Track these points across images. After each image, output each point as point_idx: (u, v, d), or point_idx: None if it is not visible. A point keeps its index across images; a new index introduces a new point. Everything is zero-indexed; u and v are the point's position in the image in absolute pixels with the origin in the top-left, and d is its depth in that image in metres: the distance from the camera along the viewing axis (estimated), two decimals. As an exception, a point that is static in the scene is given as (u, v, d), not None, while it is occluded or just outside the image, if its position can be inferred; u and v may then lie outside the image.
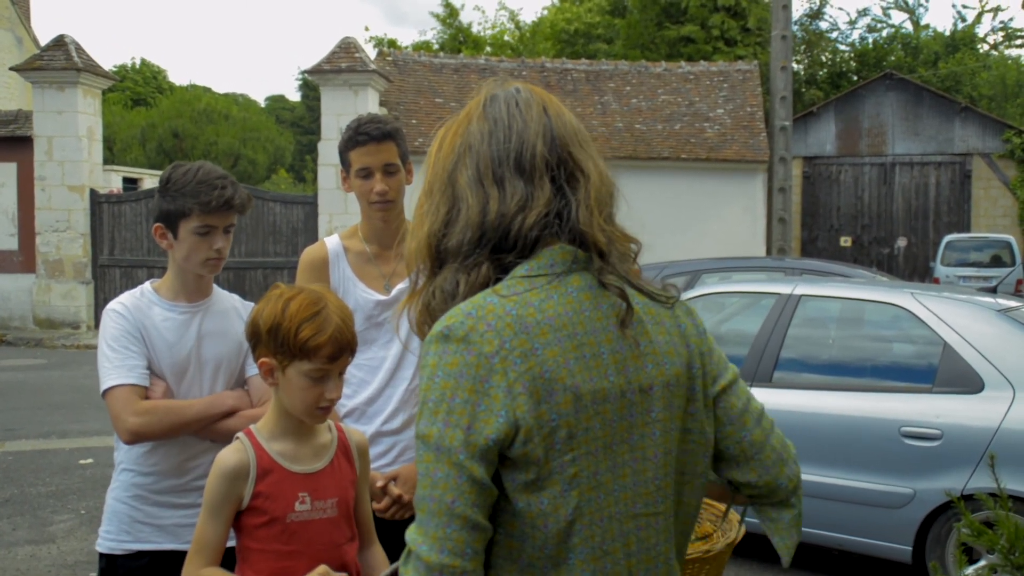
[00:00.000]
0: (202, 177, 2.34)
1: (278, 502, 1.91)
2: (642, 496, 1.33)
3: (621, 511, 1.31)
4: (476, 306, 1.27)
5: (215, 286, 2.54)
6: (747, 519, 1.83)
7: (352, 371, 2.65)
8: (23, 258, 15.86)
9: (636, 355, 1.33)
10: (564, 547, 1.27)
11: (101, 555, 2.41)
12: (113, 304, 2.39)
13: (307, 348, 1.86)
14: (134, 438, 2.27)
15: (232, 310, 2.52)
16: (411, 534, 1.24)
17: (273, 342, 1.88)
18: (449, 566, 1.20)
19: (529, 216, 1.31)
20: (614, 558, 1.30)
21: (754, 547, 5.24)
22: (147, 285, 2.46)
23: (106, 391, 2.29)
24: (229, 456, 1.92)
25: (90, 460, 7.36)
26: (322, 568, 1.86)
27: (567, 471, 1.25)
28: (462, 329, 1.25)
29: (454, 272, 1.34)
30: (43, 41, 22.19)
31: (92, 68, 15.49)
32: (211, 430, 2.35)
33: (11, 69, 17.07)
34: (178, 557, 2.30)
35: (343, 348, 1.90)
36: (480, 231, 1.33)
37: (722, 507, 2.05)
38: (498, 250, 1.33)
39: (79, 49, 15.46)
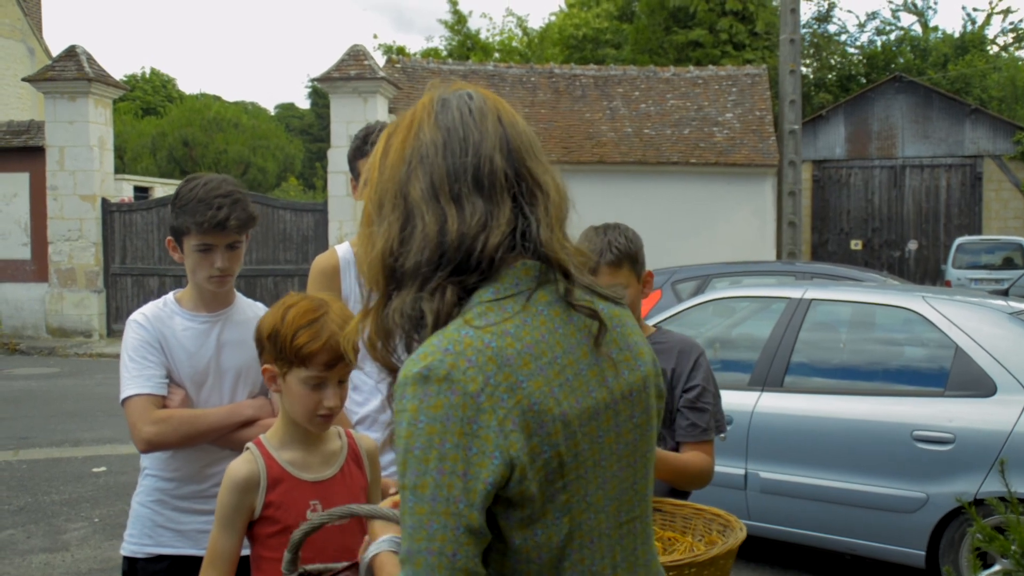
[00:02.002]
0: (203, 195, 2.32)
1: (290, 511, 1.92)
2: (625, 503, 1.31)
3: (609, 524, 1.28)
4: (452, 341, 1.18)
5: (239, 295, 2.55)
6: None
7: (363, 378, 2.66)
8: (36, 267, 15.93)
9: (611, 364, 1.30)
10: (555, 574, 1.23)
11: (124, 558, 2.45)
12: (135, 315, 2.43)
13: (303, 355, 1.88)
14: (149, 447, 2.31)
15: (254, 319, 2.52)
16: None
17: (273, 348, 1.92)
18: None
19: (492, 236, 1.23)
20: (600, 574, 1.27)
21: (764, 551, 5.22)
22: (170, 295, 2.50)
23: (124, 400, 2.33)
24: (239, 467, 1.93)
25: (103, 468, 7.39)
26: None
27: (559, 499, 1.21)
28: (442, 368, 1.16)
29: (414, 298, 1.25)
30: (55, 52, 22.33)
31: (103, 78, 15.56)
32: (230, 439, 2.37)
33: (23, 80, 17.18)
34: (197, 562, 2.32)
35: (339, 356, 1.90)
36: (439, 251, 1.24)
37: (728, 516, 2.04)
38: (459, 271, 1.24)
39: (90, 59, 15.53)
